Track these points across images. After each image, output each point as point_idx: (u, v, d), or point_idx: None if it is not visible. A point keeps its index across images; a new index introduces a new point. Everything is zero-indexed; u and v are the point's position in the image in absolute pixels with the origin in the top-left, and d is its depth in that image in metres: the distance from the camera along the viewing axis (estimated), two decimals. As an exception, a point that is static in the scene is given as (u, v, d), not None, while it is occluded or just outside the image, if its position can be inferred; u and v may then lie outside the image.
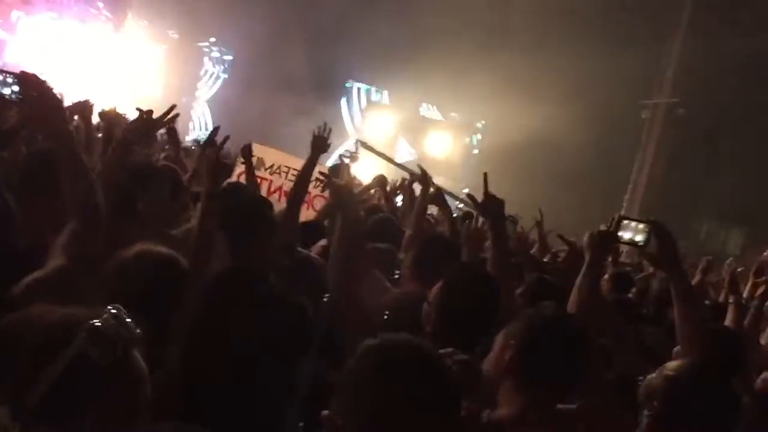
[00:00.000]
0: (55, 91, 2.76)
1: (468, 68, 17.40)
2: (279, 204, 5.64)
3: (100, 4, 19.88)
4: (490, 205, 3.02)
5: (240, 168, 5.57)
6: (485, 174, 2.99)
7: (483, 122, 21.54)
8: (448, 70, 18.00)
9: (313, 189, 5.67)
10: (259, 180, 5.54)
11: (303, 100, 17.72)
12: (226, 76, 22.17)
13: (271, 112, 17.66)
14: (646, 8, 15.83)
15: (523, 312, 2.25)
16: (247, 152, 5.28)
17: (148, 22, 20.79)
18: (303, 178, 4.22)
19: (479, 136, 21.93)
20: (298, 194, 4.14)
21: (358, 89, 22.63)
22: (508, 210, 3.38)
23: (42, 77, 2.04)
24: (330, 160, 20.09)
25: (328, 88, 20.53)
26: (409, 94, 20.99)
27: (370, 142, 16.92)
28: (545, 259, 5.81)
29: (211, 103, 21.94)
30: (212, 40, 21.67)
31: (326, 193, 5.89)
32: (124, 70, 19.56)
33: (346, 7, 17.79)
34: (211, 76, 22.24)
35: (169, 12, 19.52)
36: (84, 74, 18.22)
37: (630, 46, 14.93)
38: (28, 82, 2.00)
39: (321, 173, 4.24)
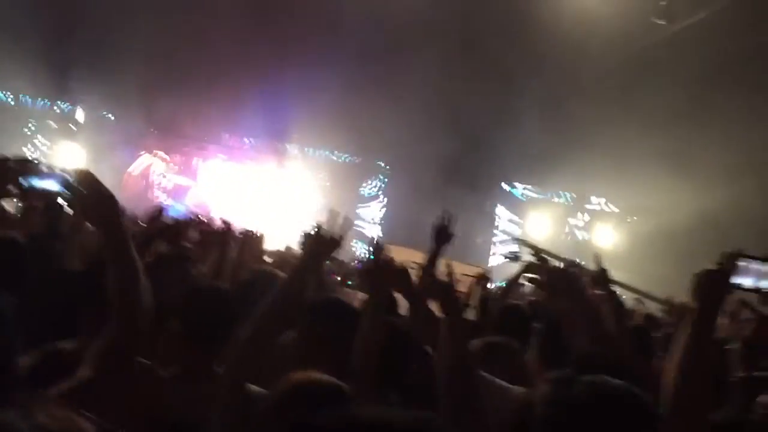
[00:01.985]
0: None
1: (628, 154, 16.65)
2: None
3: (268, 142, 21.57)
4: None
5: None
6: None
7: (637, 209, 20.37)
8: (606, 159, 17.41)
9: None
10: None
11: (455, 204, 17.76)
12: (382, 189, 22.70)
13: (426, 216, 17.73)
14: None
15: None
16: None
17: (310, 149, 22.17)
18: (426, 269, 4.02)
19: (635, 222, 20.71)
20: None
21: (512, 188, 22.50)
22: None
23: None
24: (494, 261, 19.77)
25: (480, 189, 20.55)
26: (568, 188, 20.58)
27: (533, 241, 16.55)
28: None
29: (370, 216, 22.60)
30: (379, 162, 22.50)
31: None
32: (288, 197, 20.83)
33: (492, 111, 17.97)
34: (369, 191, 22.88)
35: (326, 136, 20.58)
36: (254, 206, 19.67)
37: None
38: (82, 181, 1.96)
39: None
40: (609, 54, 15.74)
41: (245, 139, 21.88)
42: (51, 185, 2.11)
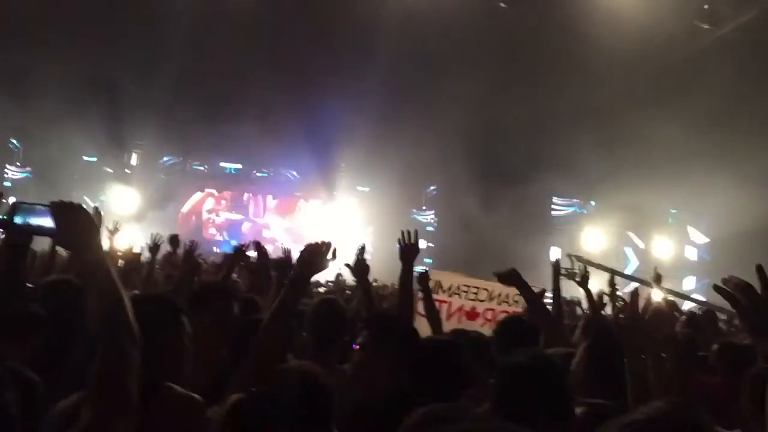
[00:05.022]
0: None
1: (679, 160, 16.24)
2: (459, 324, 5.69)
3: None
4: None
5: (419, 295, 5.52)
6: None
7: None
8: (661, 167, 17.09)
9: (498, 305, 5.98)
10: (438, 303, 5.42)
11: (507, 225, 17.63)
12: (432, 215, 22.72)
13: (475, 240, 17.66)
14: None
15: None
16: (424, 280, 5.25)
17: (358, 181, 22.26)
18: (402, 287, 4.13)
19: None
20: (402, 301, 4.09)
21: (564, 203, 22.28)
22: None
23: None
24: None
25: (532, 207, 20.34)
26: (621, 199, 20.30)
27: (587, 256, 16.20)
28: None
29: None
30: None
31: (514, 309, 5.70)
32: (338, 228, 20.80)
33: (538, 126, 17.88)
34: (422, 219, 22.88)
35: (373, 167, 20.62)
36: (304, 238, 19.65)
37: None
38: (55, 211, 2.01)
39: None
40: (654, 61, 15.52)
41: (293, 173, 22.17)
42: (46, 221, 2.06)
